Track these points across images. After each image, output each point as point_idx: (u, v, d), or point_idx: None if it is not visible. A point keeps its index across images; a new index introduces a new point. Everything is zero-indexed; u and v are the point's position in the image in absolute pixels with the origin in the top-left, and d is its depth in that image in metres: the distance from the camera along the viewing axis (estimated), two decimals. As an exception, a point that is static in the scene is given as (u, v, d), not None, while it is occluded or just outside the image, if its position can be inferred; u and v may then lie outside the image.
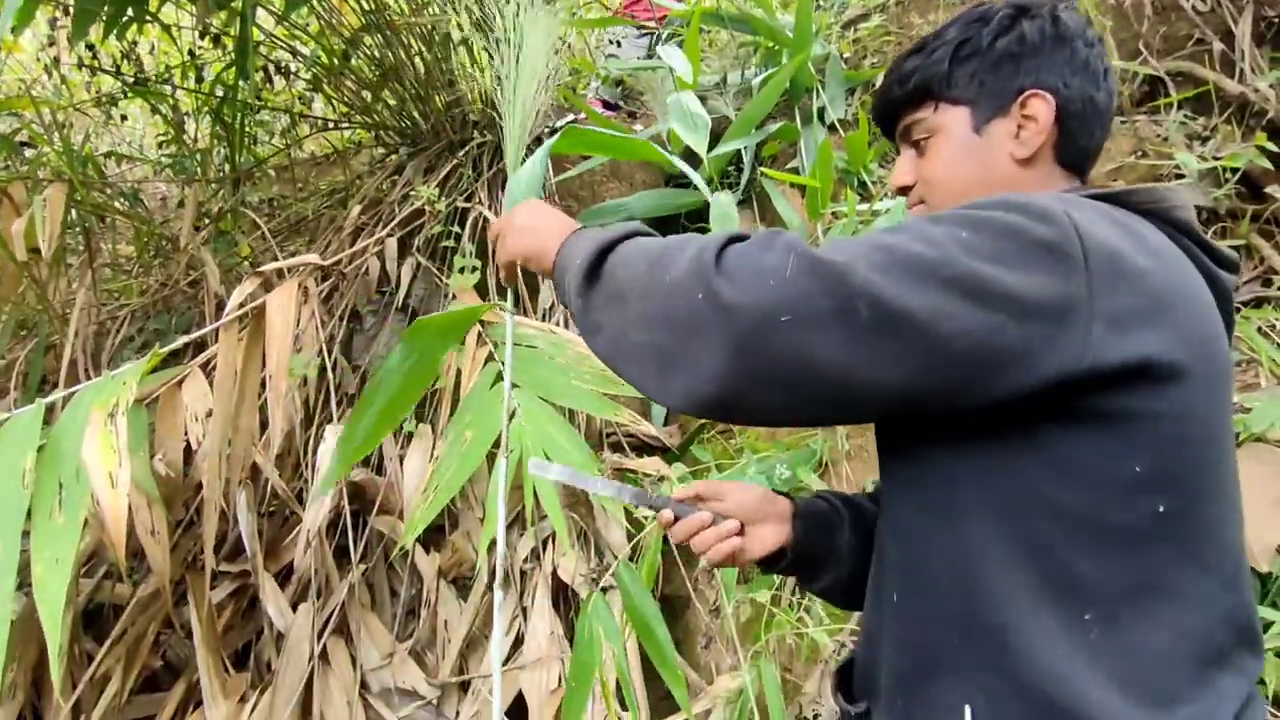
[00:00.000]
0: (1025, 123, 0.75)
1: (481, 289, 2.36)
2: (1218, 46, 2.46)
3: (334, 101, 3.50)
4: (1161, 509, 0.61)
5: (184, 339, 1.75)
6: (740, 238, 0.62)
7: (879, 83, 0.85)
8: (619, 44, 3.71)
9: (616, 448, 2.21)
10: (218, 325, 1.63)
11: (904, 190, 0.84)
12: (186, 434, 1.80)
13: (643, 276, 0.64)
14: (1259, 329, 1.96)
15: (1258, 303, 2.07)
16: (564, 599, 1.91)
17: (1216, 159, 2.08)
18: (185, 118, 3.63)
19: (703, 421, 2.26)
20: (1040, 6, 0.77)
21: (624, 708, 1.54)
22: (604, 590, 1.65)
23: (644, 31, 3.78)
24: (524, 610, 1.86)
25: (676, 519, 0.84)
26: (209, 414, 1.71)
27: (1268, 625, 1.31)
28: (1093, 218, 0.61)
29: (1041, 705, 0.59)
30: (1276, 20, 2.46)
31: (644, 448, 2.27)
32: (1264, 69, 2.35)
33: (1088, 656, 0.59)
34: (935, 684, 0.65)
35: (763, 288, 0.56)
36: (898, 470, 0.72)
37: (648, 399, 0.68)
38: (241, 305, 1.65)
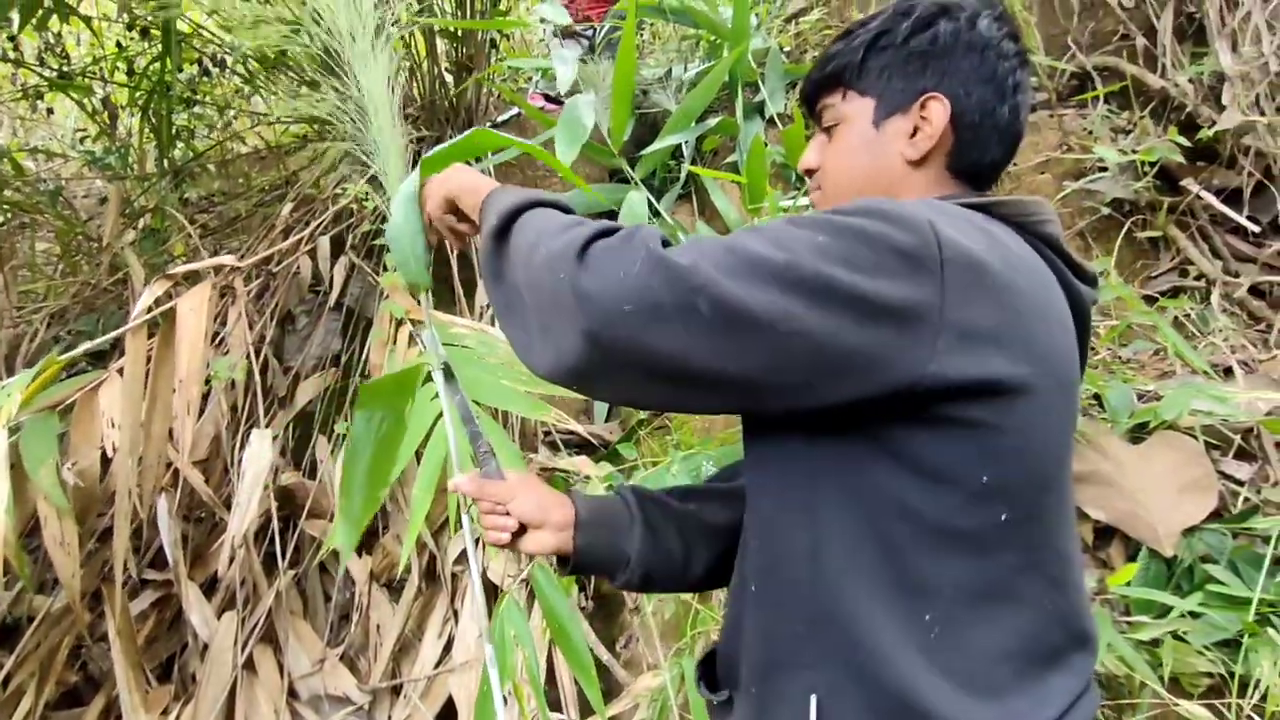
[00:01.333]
0: (921, 124, 0.75)
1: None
2: (1141, 42, 2.52)
3: (270, 95, 3.42)
4: (1004, 517, 0.62)
5: (95, 343, 1.70)
6: (611, 230, 0.63)
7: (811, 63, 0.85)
8: (560, 38, 3.68)
9: (552, 445, 2.20)
10: (127, 328, 1.58)
11: (810, 173, 0.84)
12: (102, 441, 1.75)
13: (532, 245, 0.66)
14: (1175, 319, 2.02)
15: (1174, 292, 2.12)
16: (493, 600, 1.89)
17: (1135, 152, 2.13)
18: (118, 111, 3.52)
19: (641, 417, 2.26)
20: (962, 9, 0.77)
21: (553, 709, 1.54)
22: (530, 591, 1.64)
23: (587, 26, 3.76)
24: (454, 613, 1.84)
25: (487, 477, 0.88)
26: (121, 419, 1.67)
27: (1167, 610, 1.34)
28: (960, 226, 0.62)
29: (878, 695, 0.61)
30: (1197, 16, 2.52)
31: (581, 445, 2.27)
32: (1184, 64, 2.40)
33: (926, 653, 0.60)
34: (786, 674, 0.66)
35: (613, 280, 0.58)
36: (761, 464, 0.73)
37: (531, 372, 0.70)
38: (152, 309, 1.60)
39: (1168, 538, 1.46)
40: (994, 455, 0.62)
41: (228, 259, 1.76)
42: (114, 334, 1.59)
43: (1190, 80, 2.34)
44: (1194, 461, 1.55)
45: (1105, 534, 1.60)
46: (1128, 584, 1.39)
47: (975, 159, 0.77)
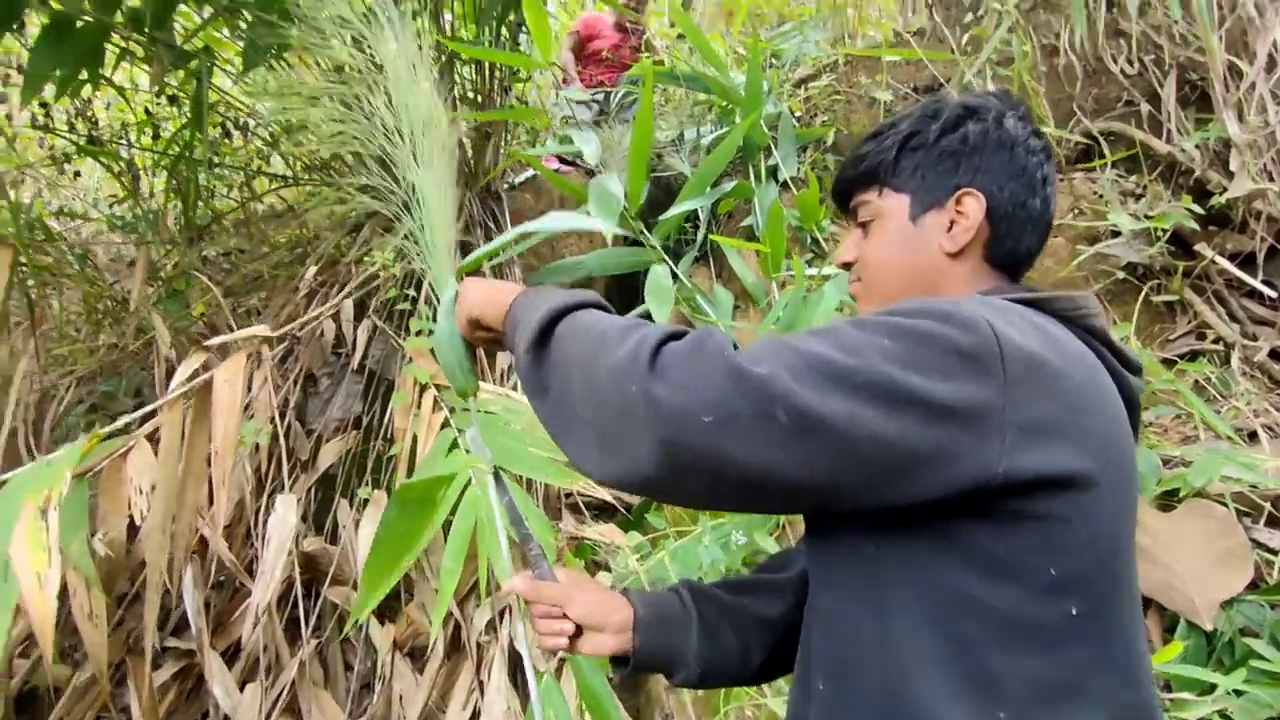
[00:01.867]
0: (958, 218, 0.79)
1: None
2: (1145, 108, 2.59)
3: (292, 157, 3.50)
4: (1075, 610, 0.63)
5: (131, 416, 1.71)
6: (677, 334, 0.65)
7: (841, 162, 0.89)
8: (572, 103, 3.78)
9: (575, 509, 2.19)
10: (164, 400, 1.60)
11: (847, 266, 0.88)
12: (130, 508, 1.75)
13: (588, 356, 0.67)
14: (1195, 382, 2.03)
15: (1193, 356, 2.14)
16: (521, 673, 1.87)
17: (1148, 217, 2.17)
18: (140, 174, 3.60)
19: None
20: (988, 110, 0.81)
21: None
22: (561, 662, 1.62)
23: (599, 90, 3.86)
24: (480, 684, 1.81)
25: (540, 579, 0.88)
26: (154, 487, 1.67)
27: (1211, 687, 1.33)
28: (1016, 323, 0.64)
29: None
30: (1199, 84, 2.60)
31: (603, 508, 2.26)
32: (1189, 130, 2.47)
33: None
34: None
35: (689, 389, 0.59)
36: (824, 559, 0.74)
37: (582, 473, 0.70)
38: (189, 379, 1.62)
39: (1206, 610, 1.45)
40: (1061, 548, 0.63)
41: (261, 329, 1.79)
42: (151, 406, 1.60)
43: (1197, 146, 2.39)
44: (1227, 530, 1.55)
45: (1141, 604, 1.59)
46: (1166, 662, 1.38)
47: (1011, 249, 0.80)
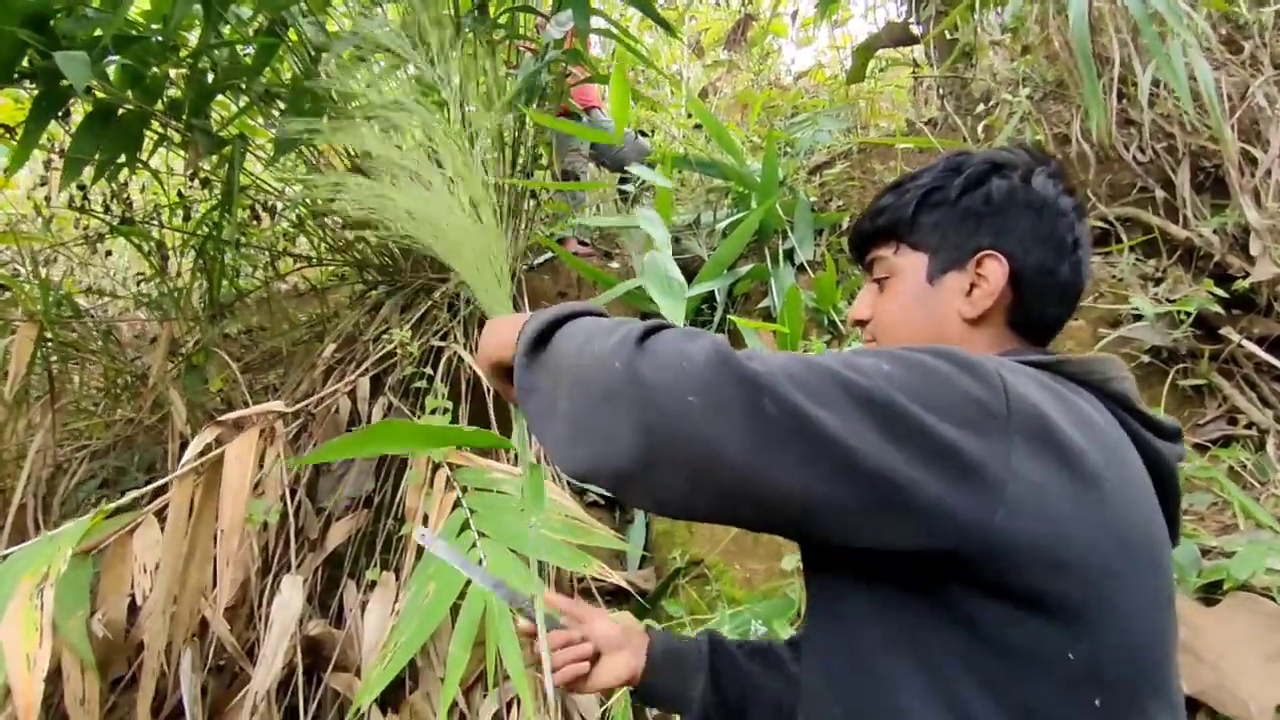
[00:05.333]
0: (979, 281, 0.75)
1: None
2: (1160, 194, 2.60)
3: (315, 239, 3.59)
4: (1098, 703, 0.57)
5: (140, 490, 1.69)
6: (670, 325, 0.62)
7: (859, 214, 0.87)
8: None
9: (587, 594, 2.12)
10: (174, 476, 1.58)
11: (861, 323, 0.84)
12: (133, 587, 1.71)
13: (578, 348, 0.63)
14: (1229, 469, 1.97)
15: (1225, 441, 2.08)
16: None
17: (1170, 301, 2.15)
18: (168, 254, 3.70)
19: (677, 568, 2.19)
20: (1015, 167, 0.77)
21: None
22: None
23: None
24: (485, 782, 1.71)
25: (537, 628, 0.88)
26: (159, 566, 1.63)
27: (1275, 803, 1.23)
28: (1025, 383, 0.60)
29: None
30: (1213, 170, 2.62)
31: (616, 593, 2.18)
32: (1206, 215, 2.48)
33: None
34: None
35: (677, 369, 0.55)
36: (826, 626, 0.69)
37: (566, 474, 0.66)
38: (201, 454, 1.61)
39: (1261, 714, 1.36)
40: (1075, 634, 0.57)
41: (276, 405, 1.78)
42: (161, 481, 1.58)
43: (1215, 231, 2.39)
44: (1278, 627, 1.46)
45: (1189, 706, 1.49)
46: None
47: (1036, 316, 0.76)
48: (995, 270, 0.74)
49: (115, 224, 3.38)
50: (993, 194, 0.76)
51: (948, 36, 3.65)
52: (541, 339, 0.69)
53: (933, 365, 0.57)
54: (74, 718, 1.52)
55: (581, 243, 3.66)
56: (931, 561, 0.57)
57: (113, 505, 1.37)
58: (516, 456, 2.41)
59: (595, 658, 0.87)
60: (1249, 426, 2.08)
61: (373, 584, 2.11)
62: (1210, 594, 1.61)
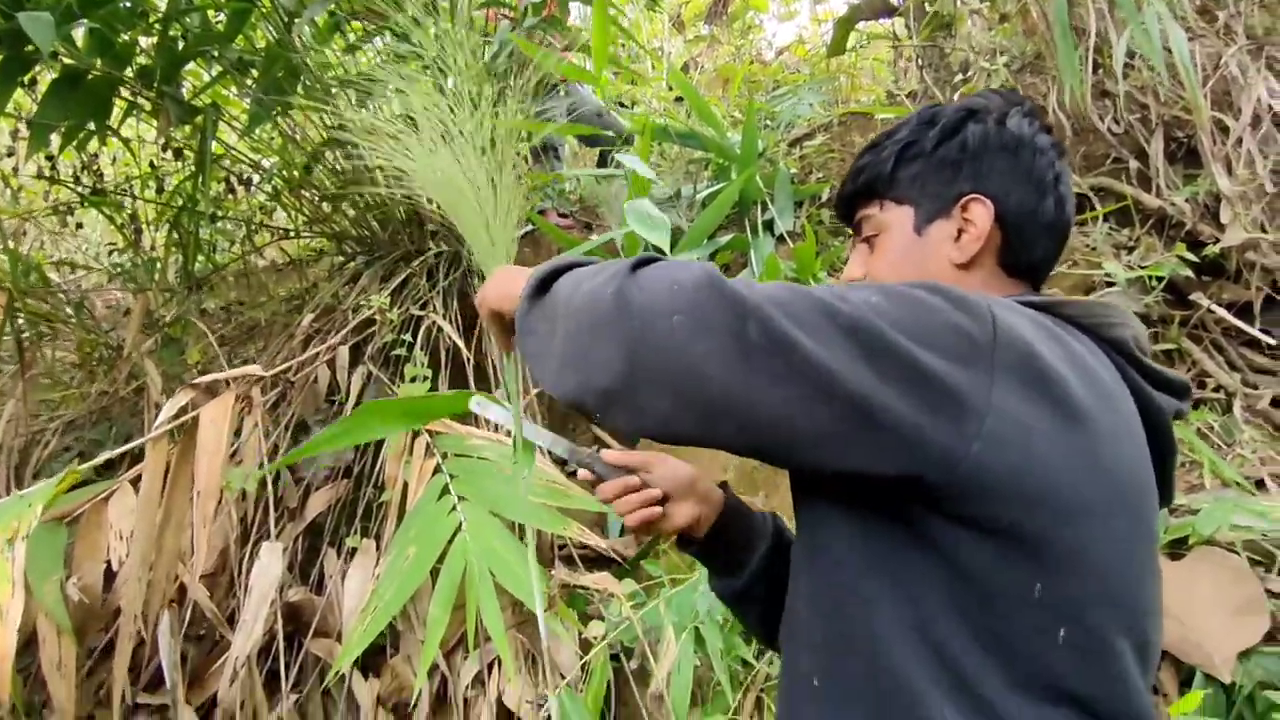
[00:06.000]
0: (965, 226, 0.75)
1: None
2: (1134, 165, 2.63)
3: (293, 211, 3.54)
4: (1063, 635, 0.59)
5: (113, 452, 1.68)
6: (664, 258, 0.64)
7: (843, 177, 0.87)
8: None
9: (568, 561, 2.14)
10: (148, 439, 1.56)
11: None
12: (109, 554, 1.70)
13: (574, 287, 0.65)
14: (1198, 430, 2.01)
15: (1195, 404, 2.12)
16: (509, 728, 1.79)
17: (1142, 268, 2.18)
18: (142, 226, 3.64)
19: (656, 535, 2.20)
20: (989, 110, 0.77)
21: None
22: (548, 717, 1.55)
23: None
24: (466, 742, 1.73)
25: (600, 479, 0.88)
26: (134, 532, 1.62)
27: (1233, 742, 1.27)
28: (1018, 320, 0.60)
29: None
30: (1185, 140, 2.65)
31: (598, 559, 2.20)
32: (1178, 184, 2.50)
33: None
34: None
35: (665, 292, 0.57)
36: (812, 552, 0.71)
37: (558, 399, 0.67)
38: (175, 417, 1.59)
39: (1224, 663, 1.39)
40: (1046, 567, 0.58)
41: (253, 369, 1.76)
42: (133, 444, 1.57)
43: (1186, 200, 2.42)
44: (1242, 580, 1.50)
45: (1153, 657, 1.54)
46: (1187, 712, 1.32)
47: (1026, 256, 0.76)
48: (980, 213, 0.75)
49: (86, 195, 3.32)
50: (969, 140, 0.76)
51: (927, 8, 3.65)
52: (543, 285, 0.70)
53: (921, 297, 0.58)
54: (51, 684, 1.52)
55: (562, 214, 3.64)
56: (908, 488, 0.58)
57: (86, 464, 1.36)
58: (494, 424, 2.41)
59: (663, 501, 0.86)
60: (1217, 390, 2.12)
61: (353, 552, 2.11)
62: (1176, 549, 1.65)
